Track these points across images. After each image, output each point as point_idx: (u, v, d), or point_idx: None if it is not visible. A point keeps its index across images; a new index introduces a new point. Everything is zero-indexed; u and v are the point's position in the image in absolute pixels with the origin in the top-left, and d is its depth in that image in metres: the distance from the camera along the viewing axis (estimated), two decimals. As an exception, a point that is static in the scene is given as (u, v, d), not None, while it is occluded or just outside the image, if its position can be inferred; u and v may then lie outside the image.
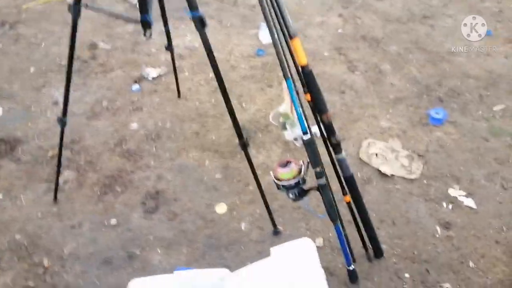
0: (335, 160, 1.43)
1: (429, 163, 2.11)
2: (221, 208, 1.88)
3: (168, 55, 2.37)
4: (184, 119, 2.35)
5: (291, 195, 1.45)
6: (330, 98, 2.52)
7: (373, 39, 3.06)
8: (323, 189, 1.37)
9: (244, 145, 1.52)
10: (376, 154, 2.12)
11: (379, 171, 2.04)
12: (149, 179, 2.02)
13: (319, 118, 1.35)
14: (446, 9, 3.38)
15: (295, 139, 1.87)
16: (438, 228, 1.81)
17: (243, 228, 1.82)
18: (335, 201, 1.43)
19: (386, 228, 1.81)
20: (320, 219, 1.84)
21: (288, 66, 1.23)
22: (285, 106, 1.35)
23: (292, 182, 1.38)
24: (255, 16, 3.25)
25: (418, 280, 1.64)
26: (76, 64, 2.80)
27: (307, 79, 1.28)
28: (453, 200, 1.92)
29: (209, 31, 1.31)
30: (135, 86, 2.57)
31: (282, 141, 2.20)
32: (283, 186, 1.41)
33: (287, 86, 1.22)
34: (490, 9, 3.32)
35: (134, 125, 2.31)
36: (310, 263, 1.11)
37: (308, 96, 1.30)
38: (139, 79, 2.65)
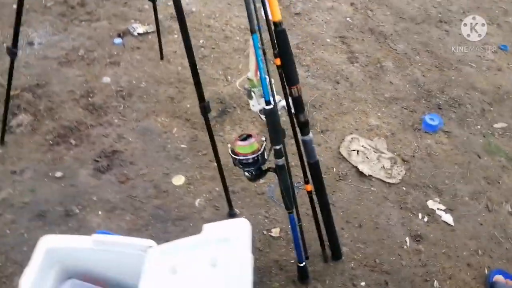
0: (300, 141, 1.27)
1: (413, 170, 1.94)
2: (178, 180, 1.72)
3: (160, 14, 2.21)
4: (161, 82, 2.18)
5: (247, 174, 1.29)
6: (322, 86, 2.34)
7: (381, 34, 2.86)
8: (280, 171, 1.21)
9: (204, 109, 1.35)
10: (358, 152, 1.96)
11: (357, 169, 1.88)
12: (108, 137, 1.86)
13: (287, 90, 1.18)
14: (465, 17, 3.17)
15: (261, 111, 1.63)
16: (407, 240, 1.65)
17: (196, 204, 1.66)
18: (293, 187, 1.27)
19: (351, 230, 1.65)
20: (283, 210, 1.68)
21: (258, 20, 1.06)
22: (251, 69, 1.19)
23: (250, 158, 1.22)
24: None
25: (374, 291, 1.49)
26: (61, 8, 2.64)
27: (279, 39, 1.11)
28: (430, 213, 1.75)
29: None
30: (118, 40, 2.40)
31: (261, 121, 2.03)
32: (239, 161, 1.25)
33: (253, 42, 1.06)
34: (511, 24, 3.11)
35: (106, 79, 2.15)
36: (240, 245, 0.95)
37: (278, 61, 1.13)
38: (124, 33, 2.47)
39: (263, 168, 1.28)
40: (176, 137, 1.90)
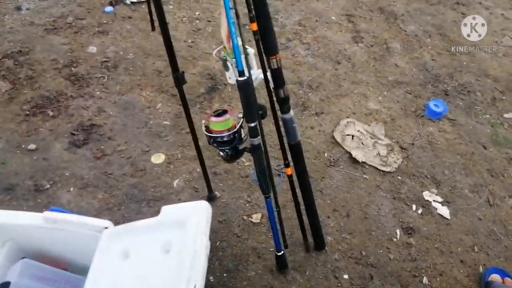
0: (279, 119, 1.15)
1: (411, 158, 1.81)
2: (157, 158, 1.63)
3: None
4: (149, 54, 2.07)
5: (222, 154, 1.18)
6: (321, 66, 2.20)
7: (391, 14, 2.68)
8: (255, 151, 1.10)
9: (177, 80, 1.24)
10: (353, 137, 1.83)
11: (350, 155, 1.76)
12: (87, 109, 1.76)
13: (265, 60, 1.05)
14: (484, 0, 2.96)
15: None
16: (398, 232, 1.54)
17: (175, 185, 1.57)
18: (270, 170, 1.16)
19: (338, 218, 1.54)
20: (267, 194, 1.57)
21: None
22: (222, 34, 1.06)
23: (225, 136, 1.12)
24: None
25: (357, 285, 1.39)
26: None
27: None
28: (426, 205, 1.63)
29: None
30: (109, 8, 2.28)
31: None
32: (213, 139, 1.15)
33: (223, 1, 0.93)
34: (533, 8, 2.89)
35: (92, 49, 2.04)
36: (196, 229, 0.85)
37: (254, 26, 1.00)
38: (116, 1, 2.35)
39: (240, 148, 1.18)
40: (159, 113, 1.80)
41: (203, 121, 1.16)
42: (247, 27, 1.03)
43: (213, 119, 1.13)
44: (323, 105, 1.98)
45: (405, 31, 2.57)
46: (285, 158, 1.22)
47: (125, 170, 1.58)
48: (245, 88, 1.00)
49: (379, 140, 1.84)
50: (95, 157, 1.60)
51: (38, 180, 1.51)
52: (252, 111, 1.04)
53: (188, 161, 1.64)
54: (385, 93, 2.11)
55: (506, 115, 2.11)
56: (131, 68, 1.97)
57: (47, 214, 1.00)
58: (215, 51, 1.19)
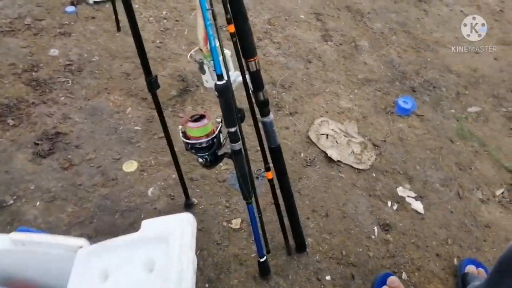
0: (259, 123, 1.13)
1: (383, 155, 1.84)
2: (130, 166, 1.56)
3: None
4: (116, 56, 1.98)
5: (200, 160, 1.15)
6: (293, 65, 2.20)
7: (358, 12, 2.73)
8: (236, 157, 1.08)
9: (150, 84, 1.19)
10: (327, 136, 1.84)
11: (326, 154, 1.77)
12: (51, 117, 1.67)
13: (243, 63, 1.03)
14: (443, -4, 3.06)
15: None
16: (376, 229, 1.56)
17: (149, 193, 1.51)
18: (251, 175, 1.14)
19: (317, 219, 1.55)
20: (246, 198, 1.55)
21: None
22: (199, 36, 1.03)
23: (203, 142, 1.09)
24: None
25: (339, 285, 1.40)
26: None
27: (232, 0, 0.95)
28: (400, 200, 1.67)
29: None
30: (71, 8, 2.17)
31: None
32: (191, 146, 1.11)
33: (199, 1, 0.89)
34: (490, 7, 3.03)
35: (54, 51, 1.93)
36: (181, 245, 0.82)
37: (231, 27, 0.97)
38: (78, 1, 2.23)
39: (219, 153, 1.15)
40: (130, 117, 1.73)
41: (180, 127, 1.13)
42: (224, 28, 0.99)
43: (191, 124, 1.10)
44: (296, 105, 1.98)
45: (372, 28, 2.62)
46: (266, 162, 1.20)
47: (95, 180, 1.51)
48: (225, 92, 0.97)
49: (353, 138, 1.87)
50: (62, 167, 1.52)
51: (0, 195, 1.40)
52: (232, 115, 1.02)
53: (162, 168, 1.59)
54: (356, 91, 2.14)
55: (469, 109, 2.19)
56: (97, 71, 1.88)
57: (15, 235, 0.93)
58: (190, 54, 1.15)
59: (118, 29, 2.12)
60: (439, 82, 2.32)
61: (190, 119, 1.13)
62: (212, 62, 1.14)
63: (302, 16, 2.56)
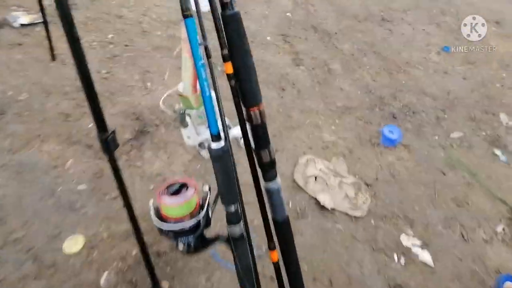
0: (263, 190, 0.84)
1: (378, 196, 1.63)
2: (73, 244, 1.19)
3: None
4: (51, 92, 1.59)
5: (181, 246, 0.85)
6: (265, 93, 1.94)
7: (325, 32, 2.55)
8: (237, 243, 0.78)
9: (107, 145, 0.85)
10: (316, 178, 1.59)
11: (317, 200, 1.51)
12: (-38, 180, 1.25)
13: (244, 113, 0.74)
14: (405, 15, 3.01)
15: (201, 145, 1.04)
16: (386, 292, 1.32)
17: (103, 282, 1.14)
18: (255, 266, 0.84)
19: (320, 288, 1.27)
20: (231, 274, 1.24)
21: None
22: (186, 80, 0.73)
23: (186, 224, 0.79)
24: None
25: None
26: None
27: (230, 30, 0.67)
28: (406, 252, 1.45)
29: None
30: (-12, 33, 1.74)
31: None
32: (169, 230, 0.81)
33: (187, 33, 0.61)
34: (449, 25, 3.02)
35: (-35, 89, 1.50)
36: None
37: (230, 66, 0.68)
38: (0, 25, 1.81)
39: (207, 237, 0.85)
40: (71, 174, 1.35)
41: (150, 202, 0.82)
42: (219, 68, 0.71)
43: (168, 200, 0.80)
44: (276, 141, 1.72)
45: (342, 50, 2.45)
46: (270, 240, 0.90)
47: (24, 269, 1.11)
48: (223, 158, 0.68)
49: (343, 178, 1.63)
50: (-23, 253, 1.11)
51: None
52: (231, 190, 0.72)
53: (118, 242, 1.23)
54: (337, 121, 1.93)
55: (452, 135, 2.07)
56: (26, 113, 1.48)
57: None
58: (162, 98, 0.84)
59: (53, 57, 1.73)
60: (417, 107, 2.19)
61: (165, 190, 0.82)
62: (198, 113, 0.84)
63: (268, 38, 2.32)
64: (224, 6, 0.65)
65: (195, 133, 0.85)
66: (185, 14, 0.61)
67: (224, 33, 0.67)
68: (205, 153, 0.89)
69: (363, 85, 2.23)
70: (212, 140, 0.69)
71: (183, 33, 0.66)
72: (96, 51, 1.86)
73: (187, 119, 0.82)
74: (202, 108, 0.74)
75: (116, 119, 1.56)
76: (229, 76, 0.70)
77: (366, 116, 2.02)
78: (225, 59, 0.69)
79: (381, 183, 1.69)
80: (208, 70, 0.66)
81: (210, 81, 0.67)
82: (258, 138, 0.78)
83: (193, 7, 0.63)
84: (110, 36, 1.96)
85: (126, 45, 1.96)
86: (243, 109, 0.74)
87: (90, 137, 1.46)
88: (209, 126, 0.68)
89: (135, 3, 2.20)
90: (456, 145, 2.02)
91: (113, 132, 0.86)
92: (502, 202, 1.77)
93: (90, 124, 1.50)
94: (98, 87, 1.50)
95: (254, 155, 0.80)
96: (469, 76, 2.53)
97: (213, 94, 0.66)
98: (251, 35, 2.28)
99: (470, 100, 2.32)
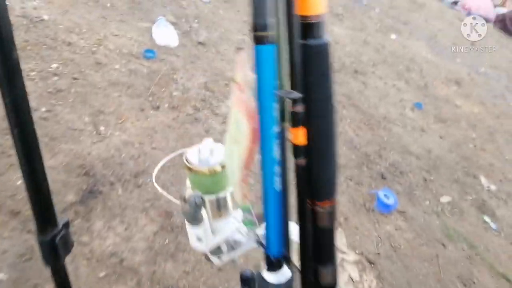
0: None
1: (383, 276, 1.36)
2: None
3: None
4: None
5: None
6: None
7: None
8: None
9: (53, 248, 0.48)
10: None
11: None
12: None
13: (307, 208, 0.43)
14: (376, 69, 2.96)
15: (214, 252, 0.56)
16: None
17: None
18: None
19: None
20: None
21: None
22: (234, 155, 0.43)
23: None
24: (152, 7, 2.27)
25: None
26: None
27: (311, 70, 0.36)
28: None
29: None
30: None
31: (165, 209, 1.20)
32: None
33: (257, 68, 0.29)
34: (416, 82, 3.01)
35: None
36: None
37: (302, 134, 0.38)
38: None
39: None
40: (-18, 258, 0.91)
41: None
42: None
43: None
44: (262, 207, 1.39)
45: (320, 100, 2.26)
46: None
47: None
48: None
49: (344, 254, 1.34)
50: None
51: None
52: None
53: None
54: (327, 181, 1.67)
55: (441, 199, 1.92)
56: None
57: None
58: (154, 174, 0.51)
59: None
60: (404, 166, 2.02)
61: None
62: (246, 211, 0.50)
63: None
64: (308, 30, 0.36)
65: (210, 233, 0.52)
66: (260, 35, 0.30)
67: (304, 72, 0.37)
68: (214, 258, 0.55)
69: (348, 139, 2.03)
70: (269, 267, 0.37)
71: (242, 71, 0.35)
72: (34, 83, 1.46)
73: (203, 213, 0.49)
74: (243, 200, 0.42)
75: (57, 174, 1.16)
76: (297, 151, 0.40)
77: (356, 177, 1.79)
78: (295, 121, 0.39)
79: (384, 260, 1.42)
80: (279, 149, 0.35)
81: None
82: (321, 248, 0.47)
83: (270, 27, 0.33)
84: (54, 65, 1.57)
85: (75, 78, 1.58)
86: (309, 203, 0.43)
87: (17, 199, 1.04)
88: (266, 242, 0.36)
89: (88, 30, 1.84)
90: (448, 211, 1.85)
91: (66, 224, 0.50)
92: (507, 280, 1.59)
93: (18, 181, 1.08)
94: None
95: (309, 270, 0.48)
96: (444, 134, 2.46)
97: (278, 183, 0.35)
98: (224, 77, 2.01)
99: (450, 161, 2.21)
